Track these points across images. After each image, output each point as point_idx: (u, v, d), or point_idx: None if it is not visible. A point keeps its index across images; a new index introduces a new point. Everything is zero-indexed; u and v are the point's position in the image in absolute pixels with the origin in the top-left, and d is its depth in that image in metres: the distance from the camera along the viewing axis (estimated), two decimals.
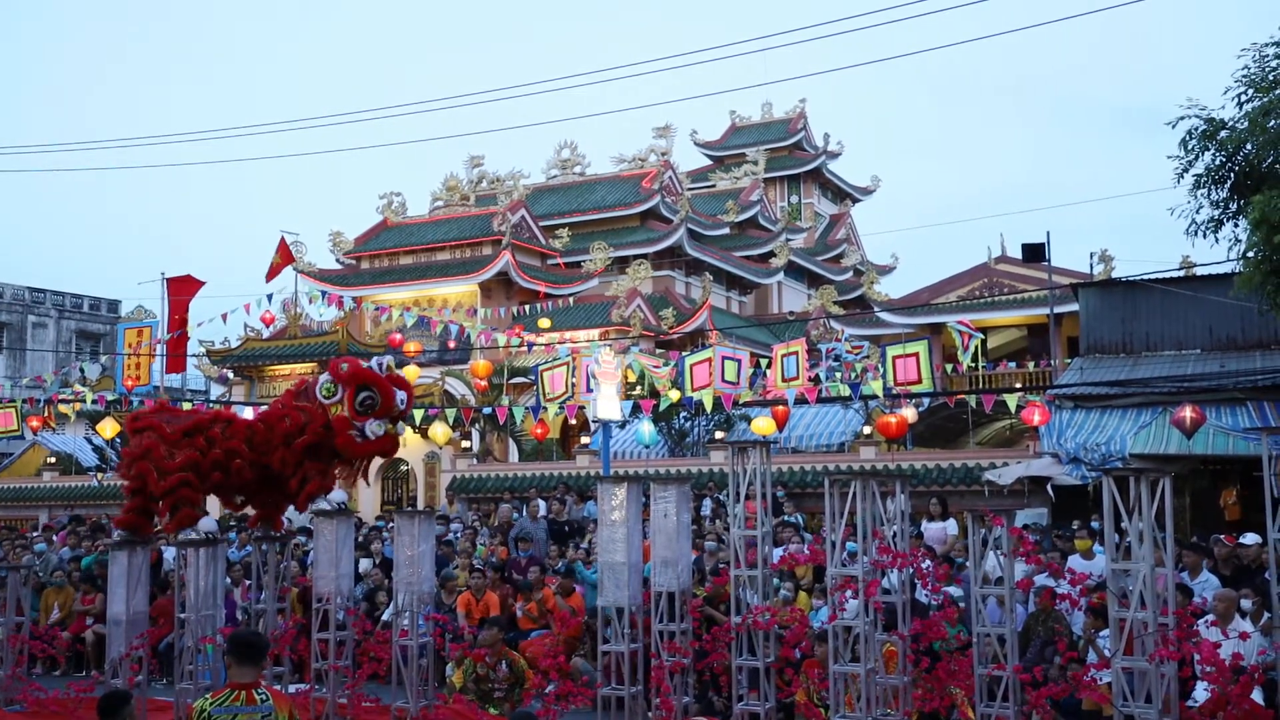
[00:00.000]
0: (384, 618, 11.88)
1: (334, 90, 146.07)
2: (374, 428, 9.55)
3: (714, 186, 44.62)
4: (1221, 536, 11.59)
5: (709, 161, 49.55)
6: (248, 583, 12.06)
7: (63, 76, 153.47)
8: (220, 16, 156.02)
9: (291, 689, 9.87)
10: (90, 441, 31.82)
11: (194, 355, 30.88)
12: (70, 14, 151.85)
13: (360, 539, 14.69)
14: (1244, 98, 12.12)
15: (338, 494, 10.05)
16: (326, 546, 9.98)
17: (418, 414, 20.87)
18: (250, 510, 10.94)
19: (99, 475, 28.31)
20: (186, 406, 19.90)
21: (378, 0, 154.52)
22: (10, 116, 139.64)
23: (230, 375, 32.05)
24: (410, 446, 26.41)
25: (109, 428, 22.20)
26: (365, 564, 14.20)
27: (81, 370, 27.15)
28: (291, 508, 10.48)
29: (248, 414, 13.32)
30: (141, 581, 10.33)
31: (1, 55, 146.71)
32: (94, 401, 23.45)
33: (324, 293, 24.32)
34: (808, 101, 50.50)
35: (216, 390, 34.59)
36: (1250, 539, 10.93)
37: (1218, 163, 12.38)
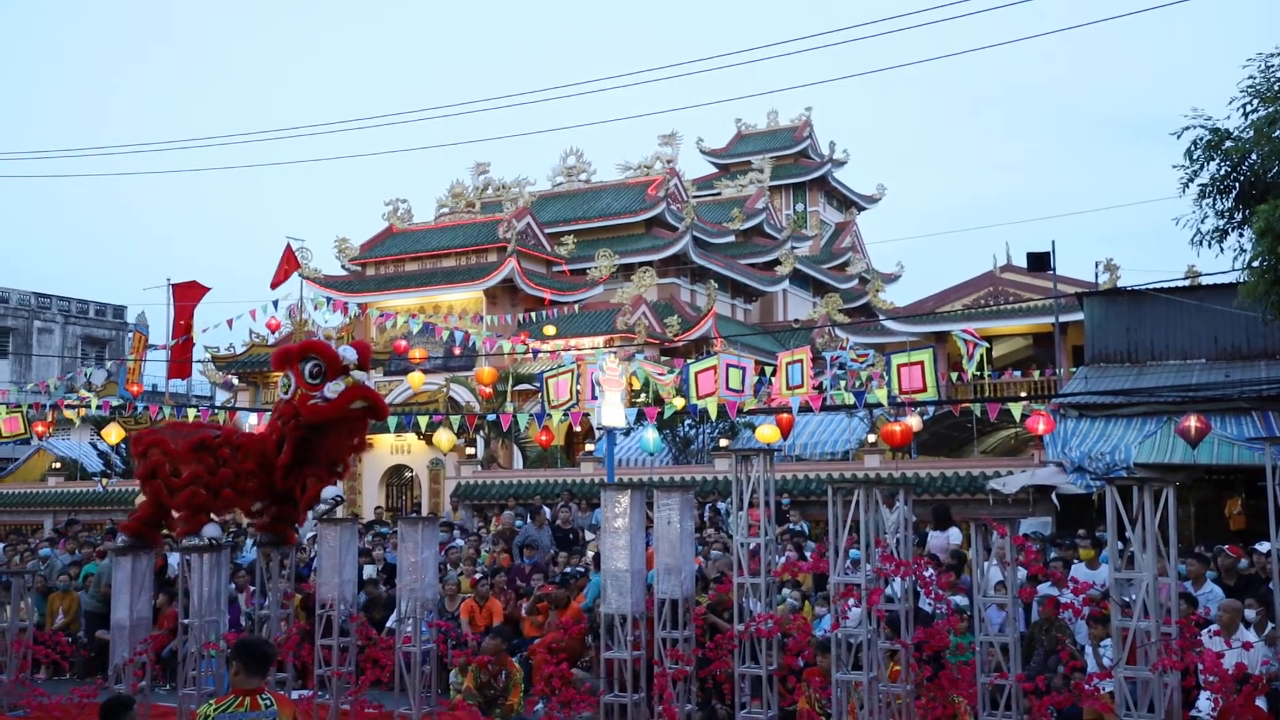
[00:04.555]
0: (387, 624, 11.89)
1: (342, 97, 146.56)
2: (332, 388, 9.26)
3: (719, 194, 44.61)
4: (1225, 547, 11.56)
5: (714, 169, 49.58)
6: (252, 588, 12.06)
7: (73, 81, 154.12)
8: (233, 24, 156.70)
9: (294, 695, 9.87)
10: (95, 447, 31.91)
11: (199, 361, 30.95)
12: (82, 19, 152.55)
13: (363, 545, 14.71)
14: (1249, 108, 12.14)
15: (330, 490, 9.80)
16: (330, 552, 10.00)
17: (422, 420, 20.92)
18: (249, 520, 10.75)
19: (104, 480, 28.39)
20: (191, 414, 20.02)
21: (387, 9, 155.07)
22: (19, 122, 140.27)
23: (235, 381, 32.12)
24: (414, 453, 26.50)
25: (114, 433, 22.26)
26: (369, 570, 14.21)
27: (87, 375, 27.27)
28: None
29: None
30: (145, 586, 10.34)
31: (12, 60, 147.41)
32: (99, 407, 23.53)
33: (329, 299, 24.32)
34: (813, 110, 50.62)
35: (222, 396, 34.63)
36: (1265, 547, 10.91)
37: (1223, 173, 12.39)
